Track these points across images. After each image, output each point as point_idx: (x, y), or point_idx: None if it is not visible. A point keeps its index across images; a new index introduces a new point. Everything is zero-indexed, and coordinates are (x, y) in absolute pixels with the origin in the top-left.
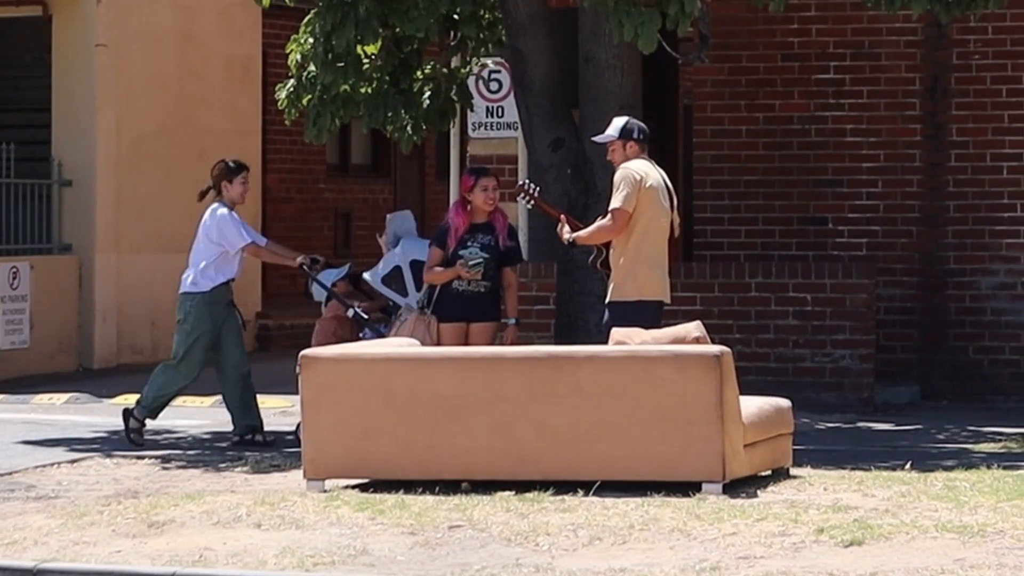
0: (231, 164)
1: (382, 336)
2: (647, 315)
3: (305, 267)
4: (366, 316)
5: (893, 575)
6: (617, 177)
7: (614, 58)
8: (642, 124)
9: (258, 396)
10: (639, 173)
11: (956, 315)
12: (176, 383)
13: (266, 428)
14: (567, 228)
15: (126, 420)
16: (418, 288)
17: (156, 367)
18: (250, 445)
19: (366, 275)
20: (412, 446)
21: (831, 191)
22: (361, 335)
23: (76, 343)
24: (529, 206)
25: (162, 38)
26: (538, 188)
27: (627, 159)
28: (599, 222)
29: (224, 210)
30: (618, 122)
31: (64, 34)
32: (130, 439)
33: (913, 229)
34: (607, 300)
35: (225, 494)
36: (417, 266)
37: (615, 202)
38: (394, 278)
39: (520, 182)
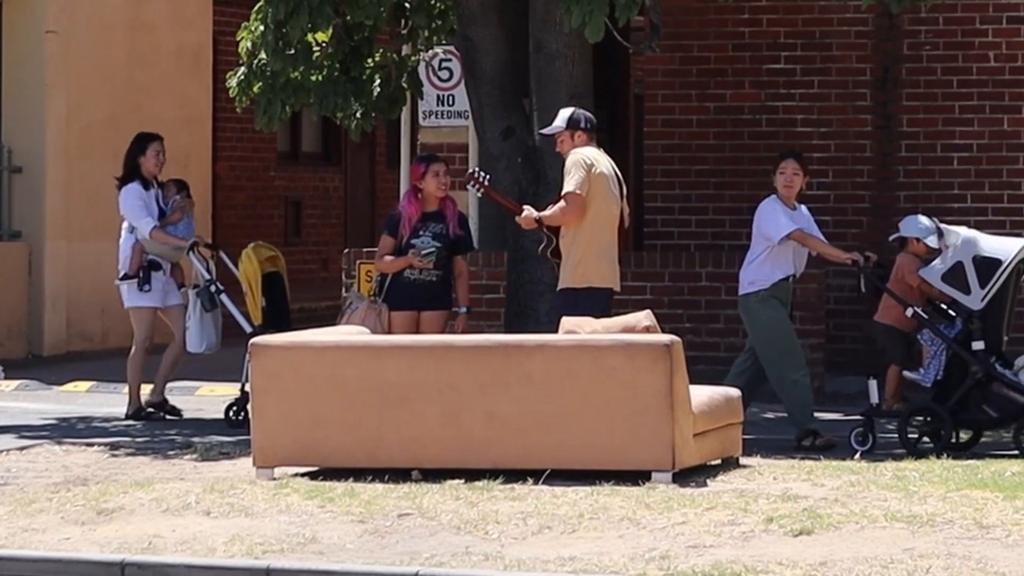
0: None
1: None
2: (597, 303)
3: None
4: None
5: (842, 564)
6: (568, 162)
7: (565, 47)
8: (589, 114)
9: (207, 384)
10: (589, 159)
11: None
12: (796, 383)
13: (214, 416)
14: (530, 210)
15: (800, 448)
16: (981, 285)
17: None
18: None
19: (922, 272)
20: (361, 434)
21: None
22: None
23: (25, 330)
24: (479, 194)
25: (112, 25)
26: (488, 176)
27: (575, 147)
28: (558, 204)
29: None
30: (564, 113)
31: (14, 20)
32: (817, 448)
33: (864, 219)
34: (558, 288)
35: (174, 482)
36: (986, 263)
37: (568, 186)
38: (956, 275)
39: (470, 170)
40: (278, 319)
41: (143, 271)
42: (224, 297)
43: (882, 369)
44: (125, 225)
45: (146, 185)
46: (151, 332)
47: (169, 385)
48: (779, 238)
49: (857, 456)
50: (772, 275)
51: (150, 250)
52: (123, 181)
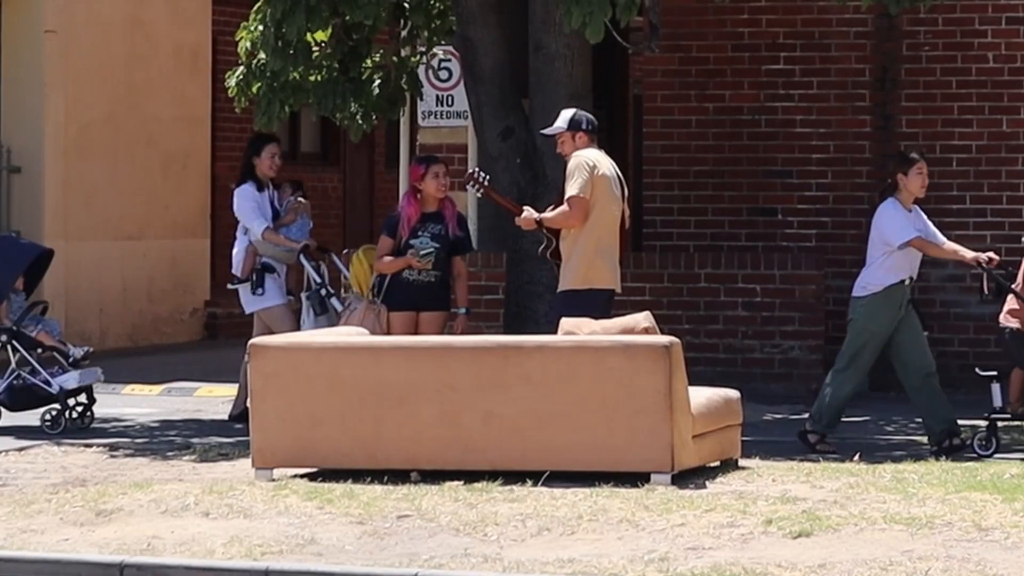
0: None
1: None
2: (597, 304)
3: None
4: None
5: (841, 567)
6: (571, 166)
7: (564, 47)
8: (590, 115)
9: (206, 384)
10: (592, 161)
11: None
12: (846, 387)
13: (213, 417)
14: (530, 209)
15: (803, 439)
16: None
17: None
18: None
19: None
20: (360, 435)
21: (780, 182)
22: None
23: None
24: (479, 195)
25: (111, 24)
26: (488, 177)
27: (576, 149)
28: (561, 208)
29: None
30: (566, 114)
31: (13, 20)
32: (815, 450)
33: (862, 220)
34: (558, 289)
35: (173, 483)
36: None
37: (571, 190)
38: None
39: (470, 171)
40: None
41: (256, 274)
42: (335, 301)
43: (1007, 372)
44: (239, 227)
45: (260, 187)
46: (293, 326)
47: (167, 386)
48: (900, 244)
49: (856, 458)
50: (885, 279)
51: (263, 252)
52: (238, 182)
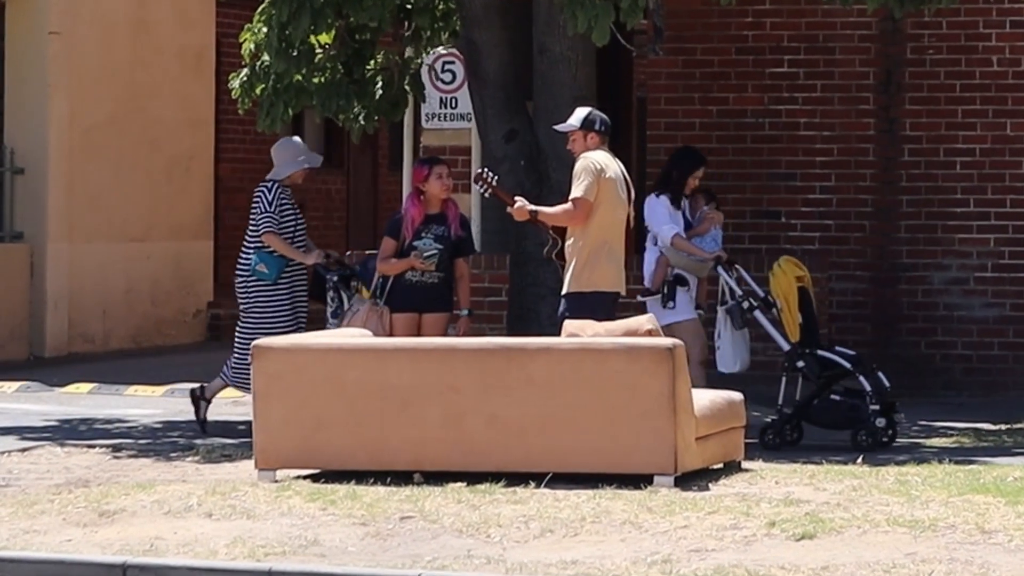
0: None
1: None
2: (602, 307)
3: None
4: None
5: (844, 569)
6: (577, 167)
7: (568, 50)
8: (604, 116)
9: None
10: (599, 163)
11: (908, 310)
12: None
13: (216, 418)
14: (527, 203)
15: None
16: None
17: None
18: None
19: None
20: (363, 437)
21: (784, 185)
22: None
23: (27, 331)
24: (487, 195)
25: (115, 26)
26: (496, 177)
27: (587, 149)
28: (563, 206)
29: None
30: (580, 112)
31: (17, 21)
32: None
33: (866, 224)
34: (563, 291)
35: (176, 483)
36: None
37: (576, 191)
38: None
39: (479, 170)
40: (810, 335)
41: (667, 286)
42: (758, 313)
43: None
44: (649, 236)
45: (675, 200)
46: (704, 341)
47: (170, 387)
48: None
49: (859, 460)
50: None
51: (674, 263)
52: (655, 192)
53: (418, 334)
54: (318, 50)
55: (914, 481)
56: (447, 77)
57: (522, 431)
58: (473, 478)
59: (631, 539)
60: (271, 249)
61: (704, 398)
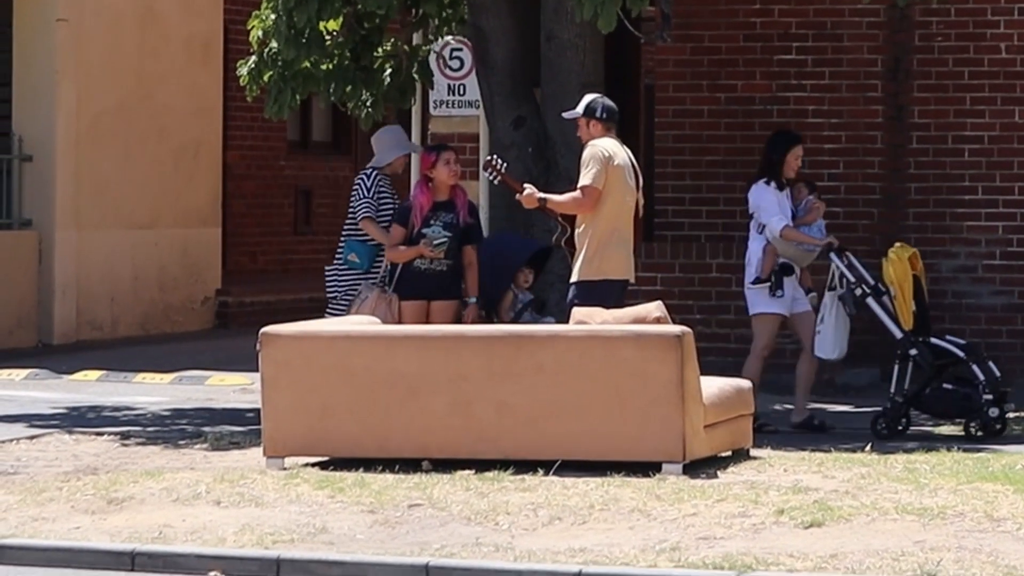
0: None
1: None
2: (611, 295)
3: None
4: None
5: (853, 557)
6: (586, 155)
7: (576, 37)
8: (609, 103)
9: (218, 373)
10: (607, 151)
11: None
12: None
13: (224, 406)
14: (536, 191)
15: None
16: None
17: None
18: None
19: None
20: (371, 424)
21: None
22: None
23: (35, 319)
24: (496, 182)
25: (123, 14)
26: (506, 164)
27: (591, 137)
28: (572, 193)
29: None
30: (585, 99)
31: (25, 9)
32: None
33: (874, 211)
34: (572, 279)
35: (184, 471)
36: None
37: (585, 179)
38: None
39: (488, 157)
40: (922, 323)
41: (775, 275)
42: (870, 300)
43: None
44: (753, 224)
45: (780, 186)
46: (773, 340)
47: (178, 374)
48: None
49: (868, 448)
50: None
51: (781, 252)
52: (758, 178)
53: (427, 321)
54: (326, 37)
55: (923, 469)
56: (455, 64)
57: (530, 419)
58: (481, 465)
59: (639, 527)
60: (363, 238)
61: (713, 386)
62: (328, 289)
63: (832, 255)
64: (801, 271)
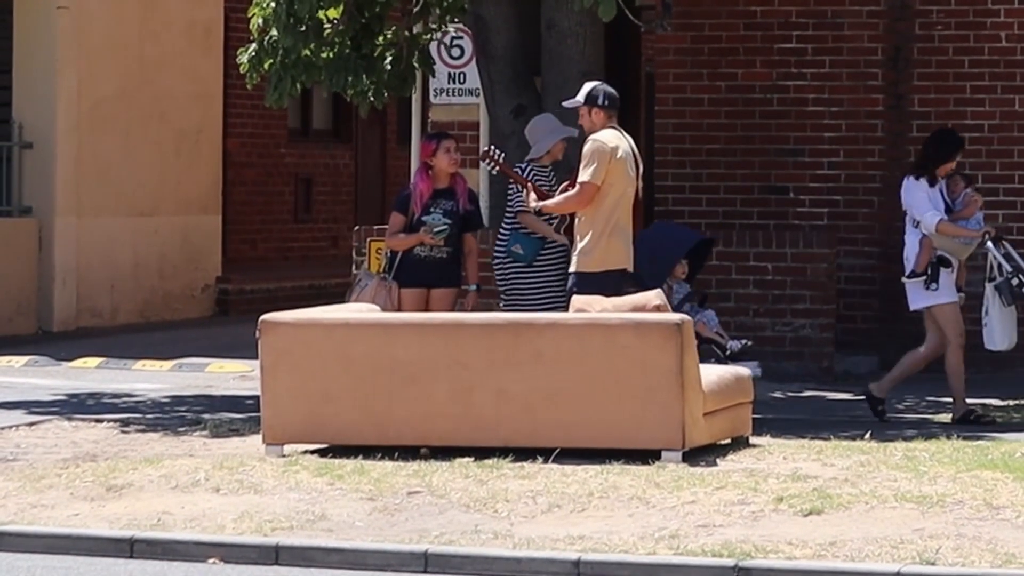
0: None
1: None
2: (610, 284)
3: None
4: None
5: (852, 544)
6: (587, 149)
7: (577, 25)
8: (611, 91)
9: (217, 360)
10: (609, 146)
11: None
12: None
13: (224, 393)
14: (533, 195)
15: None
16: None
17: None
18: None
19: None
20: (371, 412)
21: (792, 160)
22: None
23: (35, 306)
24: (494, 172)
25: (123, 1)
26: (503, 154)
27: (593, 126)
28: (567, 193)
29: None
30: (586, 87)
31: None
32: None
33: (874, 199)
34: (571, 269)
35: (184, 458)
36: None
37: (584, 175)
38: None
39: (485, 147)
40: None
41: (931, 268)
42: None
43: None
44: (908, 219)
45: (932, 182)
46: (962, 326)
47: (178, 361)
48: None
49: (867, 436)
50: None
51: (939, 245)
52: (914, 175)
53: (426, 309)
54: (326, 25)
55: (922, 457)
56: (455, 52)
57: (530, 406)
58: (481, 453)
59: (639, 514)
60: (528, 230)
61: (712, 374)
62: (499, 284)
63: (989, 244)
64: (959, 265)
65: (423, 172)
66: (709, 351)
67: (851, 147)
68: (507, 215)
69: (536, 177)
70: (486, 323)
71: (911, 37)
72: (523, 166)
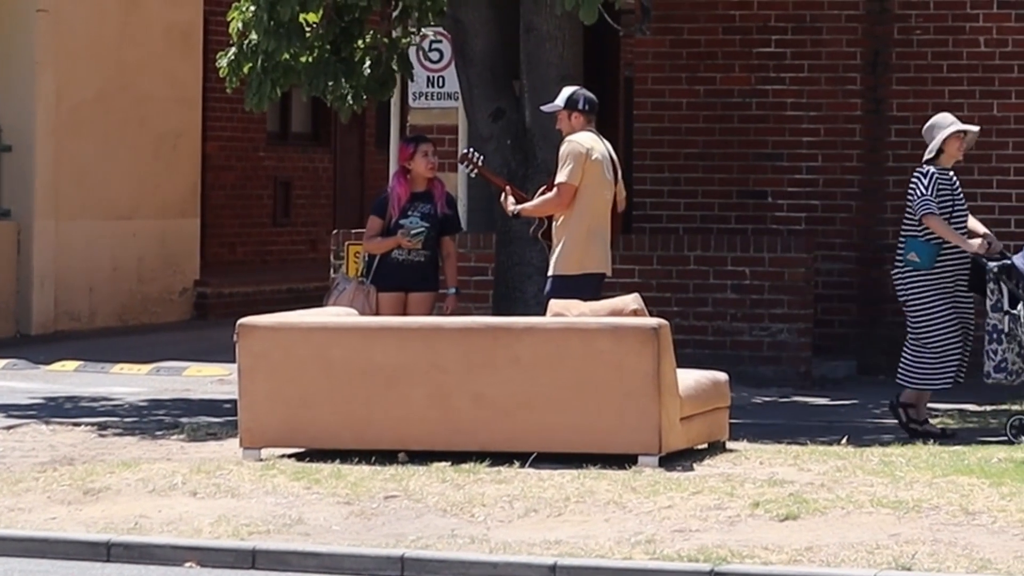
0: None
1: None
2: (588, 288)
3: None
4: None
5: (828, 549)
6: (563, 151)
7: (556, 29)
8: (589, 95)
9: (195, 364)
10: (584, 146)
11: (894, 290)
12: None
13: (201, 397)
14: (511, 199)
15: None
16: None
17: None
18: None
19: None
20: (349, 416)
21: (771, 165)
22: None
23: (14, 309)
24: (473, 175)
25: (103, 3)
26: (482, 157)
27: (572, 130)
28: (544, 196)
29: None
30: (565, 92)
31: None
32: None
33: (852, 204)
34: (549, 272)
35: (161, 462)
36: None
37: (561, 176)
38: None
39: (464, 150)
40: None
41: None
42: None
43: None
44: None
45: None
46: None
47: (156, 365)
48: None
49: (844, 441)
50: None
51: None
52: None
53: (404, 313)
54: (306, 29)
55: (898, 462)
56: (434, 56)
57: (507, 410)
58: (458, 457)
59: (615, 519)
60: (925, 237)
61: (689, 378)
62: (899, 294)
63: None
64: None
65: (401, 176)
66: None
67: (829, 151)
68: (906, 222)
69: (941, 185)
70: (464, 327)
71: (890, 41)
72: (924, 171)
